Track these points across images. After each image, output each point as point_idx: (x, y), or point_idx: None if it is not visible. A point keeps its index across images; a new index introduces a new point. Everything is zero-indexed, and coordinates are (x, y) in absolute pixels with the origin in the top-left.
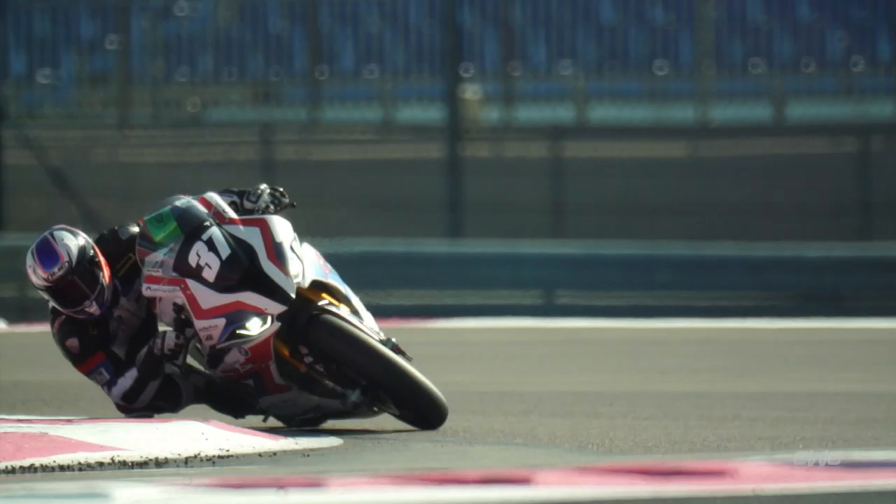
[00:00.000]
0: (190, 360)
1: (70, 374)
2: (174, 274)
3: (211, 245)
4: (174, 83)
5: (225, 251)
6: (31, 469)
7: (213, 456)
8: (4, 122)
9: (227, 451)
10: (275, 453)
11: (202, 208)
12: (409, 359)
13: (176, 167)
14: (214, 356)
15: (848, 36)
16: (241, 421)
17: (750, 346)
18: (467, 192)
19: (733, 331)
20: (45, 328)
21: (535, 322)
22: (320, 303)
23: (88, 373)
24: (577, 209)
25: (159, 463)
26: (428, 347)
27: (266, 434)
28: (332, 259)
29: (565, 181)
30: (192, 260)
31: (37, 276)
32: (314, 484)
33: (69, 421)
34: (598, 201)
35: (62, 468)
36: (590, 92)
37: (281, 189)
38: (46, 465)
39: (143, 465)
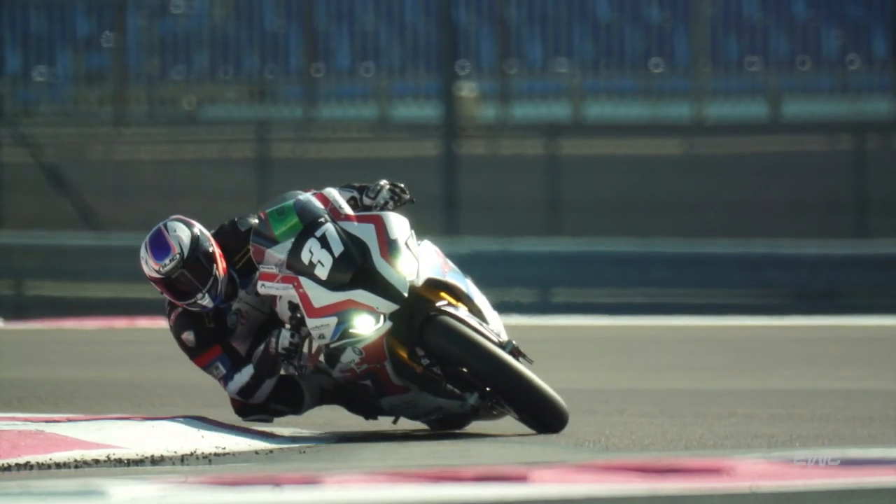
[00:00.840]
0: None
1: (66, 372)
2: (288, 272)
3: (324, 242)
4: (170, 81)
5: (338, 248)
6: (28, 466)
7: (209, 453)
8: (0, 120)
9: (223, 448)
10: (271, 451)
11: (319, 204)
12: (529, 362)
13: (172, 165)
14: (330, 356)
15: (843, 34)
16: (236, 419)
17: (746, 343)
18: (463, 190)
19: (729, 328)
20: (40, 325)
21: (530, 319)
22: (438, 303)
23: (205, 367)
24: (573, 206)
25: (155, 460)
26: None
27: (262, 432)
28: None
29: (561, 179)
30: (305, 257)
31: (148, 267)
32: (310, 481)
33: (65, 418)
34: (594, 199)
35: (58, 466)
36: (586, 89)
37: (401, 185)
38: (43, 463)
39: (139, 462)
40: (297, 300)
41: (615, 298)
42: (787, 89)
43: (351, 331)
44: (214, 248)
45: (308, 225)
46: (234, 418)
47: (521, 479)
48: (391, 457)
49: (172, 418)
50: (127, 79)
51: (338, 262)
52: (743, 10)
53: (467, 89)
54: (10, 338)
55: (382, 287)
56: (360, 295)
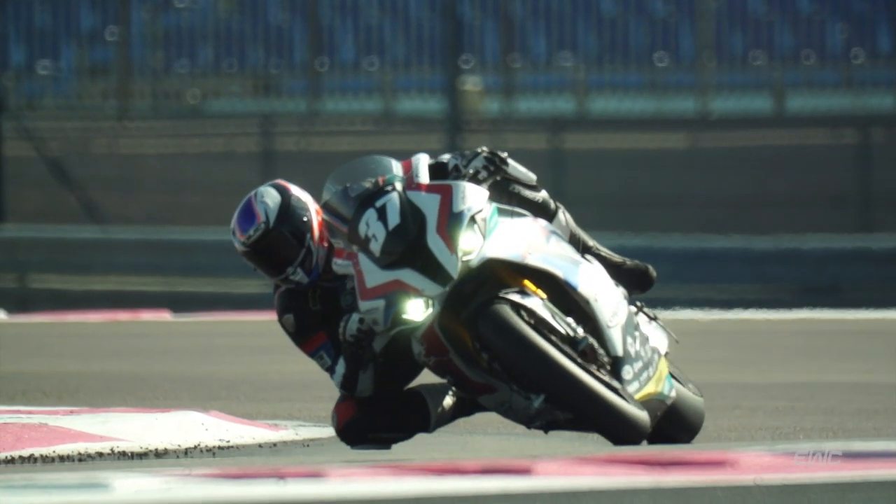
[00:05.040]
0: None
1: (70, 365)
2: (353, 247)
3: (382, 213)
4: (174, 74)
5: (394, 221)
6: (31, 459)
7: (213, 447)
8: (4, 114)
9: (227, 441)
10: (275, 444)
11: (397, 170)
12: (600, 365)
13: (176, 158)
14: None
15: (848, 28)
16: (243, 411)
17: (750, 337)
18: None
19: (733, 322)
20: (44, 319)
21: None
22: (506, 289)
23: (311, 355)
24: (577, 201)
25: (159, 453)
26: None
27: (266, 425)
28: None
29: (565, 173)
30: (362, 230)
31: (236, 240)
32: (314, 474)
33: (69, 411)
34: (598, 193)
35: (62, 458)
36: (590, 84)
37: (503, 155)
38: (46, 456)
39: (142, 455)
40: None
41: None
42: (791, 83)
43: (403, 316)
44: (311, 217)
45: (370, 194)
46: (238, 411)
47: (524, 471)
48: (394, 450)
49: (176, 411)
50: (131, 72)
51: (390, 236)
52: (748, 5)
53: (471, 83)
54: (14, 331)
55: (433, 267)
56: (407, 275)
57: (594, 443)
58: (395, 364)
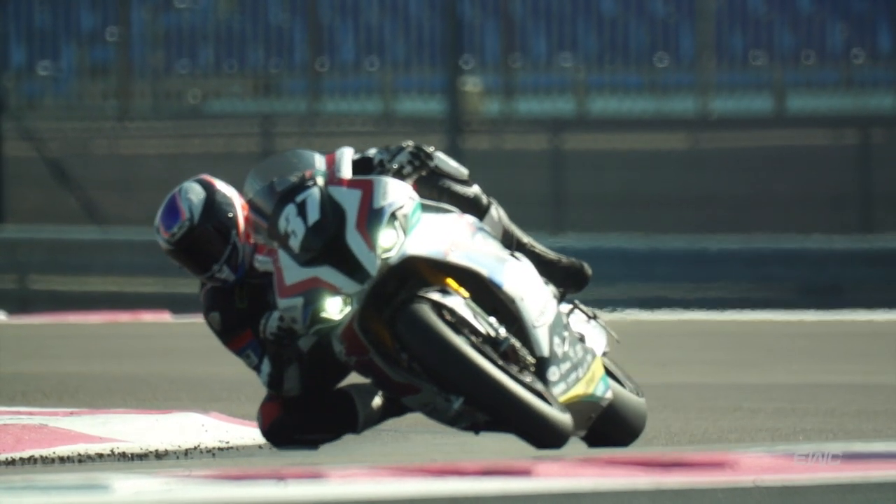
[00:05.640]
0: None
1: (70, 366)
2: (273, 243)
3: (302, 209)
4: (174, 75)
5: (314, 216)
6: (31, 461)
7: (213, 448)
8: (4, 114)
9: (227, 442)
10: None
11: (319, 163)
12: (523, 366)
13: (176, 159)
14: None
15: (848, 28)
16: (243, 413)
17: (751, 338)
18: None
19: (734, 323)
20: (44, 320)
21: None
22: (426, 288)
23: (238, 353)
24: (578, 201)
25: (159, 455)
26: None
27: None
28: None
29: (566, 173)
30: (282, 226)
31: (160, 238)
32: (314, 476)
33: (69, 413)
34: (598, 193)
35: (62, 460)
36: (590, 84)
37: (429, 150)
38: (46, 457)
39: (142, 456)
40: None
41: (620, 293)
42: (791, 83)
43: (321, 314)
44: (237, 213)
45: (291, 188)
46: (238, 413)
47: (525, 472)
48: (395, 451)
49: (176, 413)
50: (131, 73)
51: (309, 233)
52: (748, 5)
53: (471, 84)
54: (14, 332)
55: (351, 264)
56: (325, 272)
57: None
58: (323, 363)
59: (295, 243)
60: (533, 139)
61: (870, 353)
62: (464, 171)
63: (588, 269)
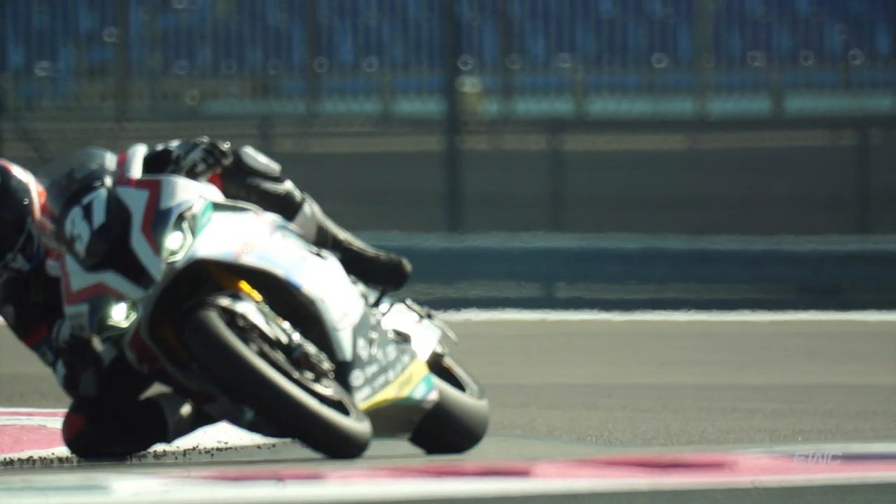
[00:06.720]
0: None
1: None
2: (61, 247)
3: (88, 211)
4: (172, 76)
5: (99, 219)
6: (30, 461)
7: (212, 448)
8: (3, 115)
9: (226, 443)
10: (273, 445)
11: (109, 163)
12: (319, 372)
13: None
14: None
15: (847, 29)
16: None
17: (749, 338)
18: (466, 186)
19: (732, 323)
20: None
21: (533, 315)
22: (218, 294)
23: (34, 349)
24: (576, 202)
25: (157, 455)
26: None
27: None
28: None
29: (564, 174)
30: (68, 229)
31: None
32: (313, 476)
33: None
34: (597, 194)
35: (61, 460)
36: (588, 85)
37: (224, 148)
38: (45, 458)
39: (141, 457)
40: None
41: (618, 294)
42: (790, 85)
43: (108, 322)
44: (32, 199)
45: (78, 190)
46: None
47: (523, 473)
48: (393, 452)
49: None
50: (129, 74)
51: (94, 236)
52: (746, 6)
53: (470, 84)
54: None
55: (136, 268)
56: (110, 278)
57: (593, 445)
58: (128, 371)
59: (80, 247)
60: (531, 140)
61: (868, 353)
62: (275, 168)
63: (407, 266)
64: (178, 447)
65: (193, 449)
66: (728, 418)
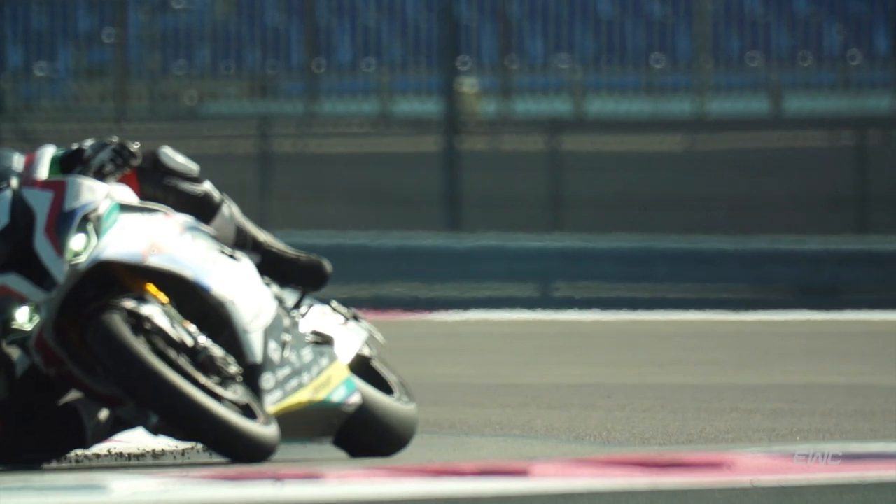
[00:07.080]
0: None
1: None
2: None
3: None
4: (171, 76)
5: (2, 221)
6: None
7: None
8: (2, 115)
9: None
10: (183, 452)
11: (15, 165)
12: (226, 376)
13: None
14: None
15: (845, 29)
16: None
17: (747, 338)
18: (464, 186)
19: (731, 323)
20: None
21: (531, 315)
22: (123, 296)
23: None
24: (575, 202)
25: (156, 455)
26: (425, 340)
27: None
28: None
29: (562, 174)
30: None
31: None
32: (311, 476)
33: None
34: (595, 194)
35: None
36: (587, 85)
37: (133, 149)
38: None
39: (139, 457)
40: None
41: (616, 294)
42: (788, 85)
43: (13, 325)
44: None
45: None
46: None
47: (522, 473)
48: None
49: None
50: (128, 74)
51: None
52: (744, 6)
53: (468, 85)
54: None
55: (39, 270)
56: (13, 280)
57: (592, 444)
58: (43, 376)
59: None
60: (530, 140)
61: (867, 353)
62: (193, 168)
63: (327, 267)
64: (176, 446)
65: (192, 448)
66: (726, 418)
